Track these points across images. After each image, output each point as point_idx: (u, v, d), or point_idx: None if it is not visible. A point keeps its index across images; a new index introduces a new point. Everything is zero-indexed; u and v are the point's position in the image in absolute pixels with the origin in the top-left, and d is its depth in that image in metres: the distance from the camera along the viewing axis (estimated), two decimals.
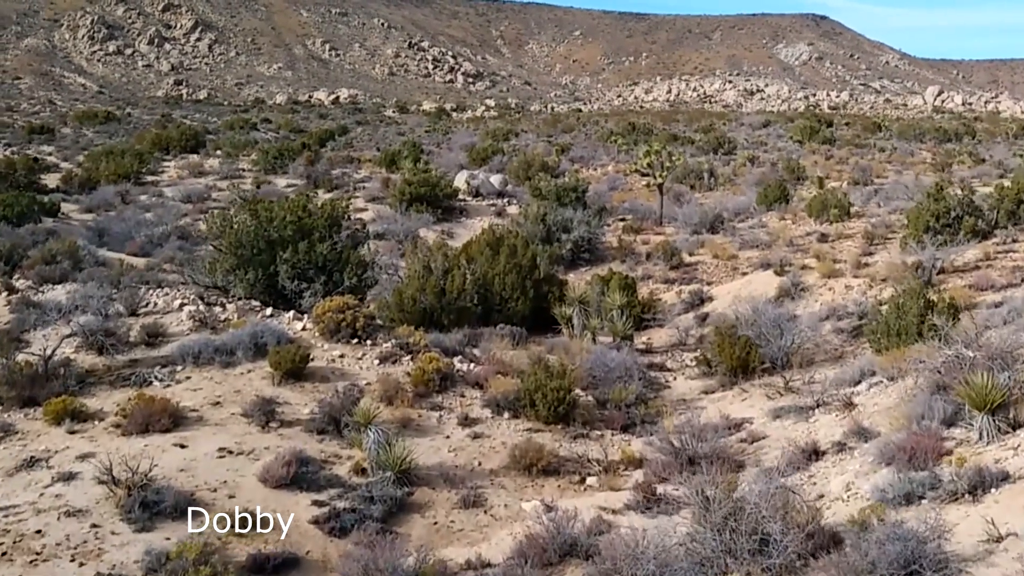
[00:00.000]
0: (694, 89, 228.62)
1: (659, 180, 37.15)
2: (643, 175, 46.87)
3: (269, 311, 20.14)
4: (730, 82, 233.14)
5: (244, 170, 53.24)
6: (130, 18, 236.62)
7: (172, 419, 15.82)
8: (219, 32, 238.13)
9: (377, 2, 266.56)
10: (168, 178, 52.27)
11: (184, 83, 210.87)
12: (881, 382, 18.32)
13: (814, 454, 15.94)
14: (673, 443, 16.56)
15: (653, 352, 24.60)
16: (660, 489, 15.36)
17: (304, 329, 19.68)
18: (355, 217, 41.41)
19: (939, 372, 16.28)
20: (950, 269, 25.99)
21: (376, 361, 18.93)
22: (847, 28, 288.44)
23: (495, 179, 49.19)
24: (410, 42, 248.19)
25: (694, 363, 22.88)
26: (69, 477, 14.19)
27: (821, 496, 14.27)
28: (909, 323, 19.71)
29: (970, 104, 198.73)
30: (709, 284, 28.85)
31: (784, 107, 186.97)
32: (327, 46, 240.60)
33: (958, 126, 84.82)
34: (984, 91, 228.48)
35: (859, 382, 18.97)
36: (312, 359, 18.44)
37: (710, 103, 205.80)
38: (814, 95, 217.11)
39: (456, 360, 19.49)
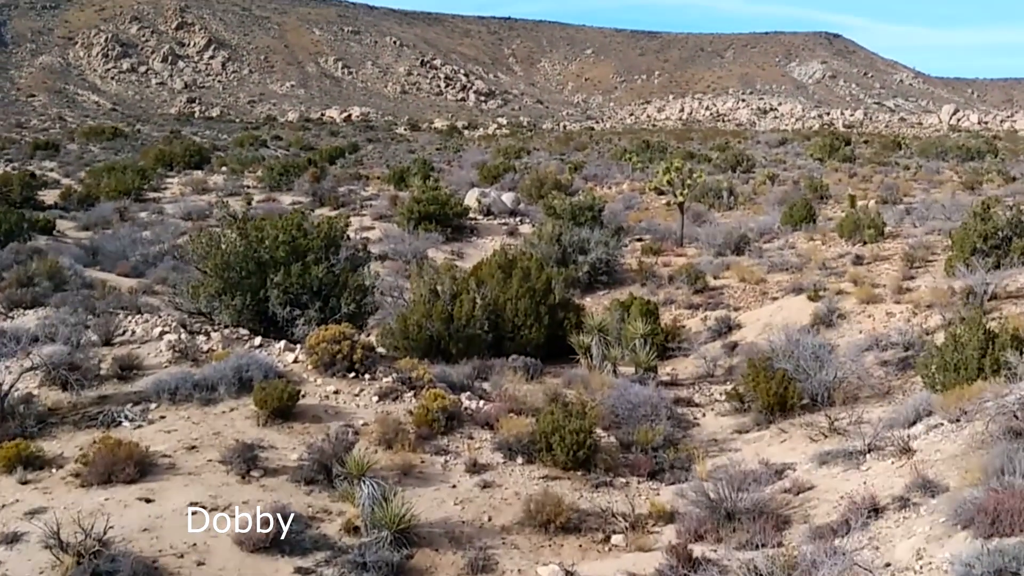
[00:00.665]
0: (707, 108, 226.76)
1: (679, 199, 35.12)
2: (660, 193, 44.94)
3: (258, 341, 18.09)
4: (743, 100, 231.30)
5: (249, 187, 51.44)
6: (144, 36, 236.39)
7: (139, 468, 13.77)
8: (232, 50, 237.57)
9: (389, 20, 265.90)
10: (171, 195, 50.51)
11: (197, 101, 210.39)
12: (941, 424, 16.14)
13: (872, 511, 13.81)
14: (709, 494, 14.47)
15: (679, 385, 22.50)
16: (696, 551, 13.27)
17: (296, 361, 17.63)
18: (361, 236, 39.49)
19: (1015, 416, 14.17)
20: (1003, 295, 23.82)
21: (375, 398, 16.88)
22: (860, 46, 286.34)
23: (507, 197, 47.27)
24: (422, 60, 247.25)
25: (725, 398, 20.78)
26: (13, 539, 12.13)
27: (887, 565, 12.14)
28: (969, 357, 17.56)
29: (986, 123, 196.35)
30: (737, 310, 26.71)
31: (798, 125, 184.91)
32: (339, 64, 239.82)
33: (980, 144, 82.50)
34: (999, 110, 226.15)
35: (915, 423, 16.80)
36: (303, 396, 16.40)
37: (723, 122, 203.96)
38: (828, 113, 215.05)
39: (464, 397, 17.43)
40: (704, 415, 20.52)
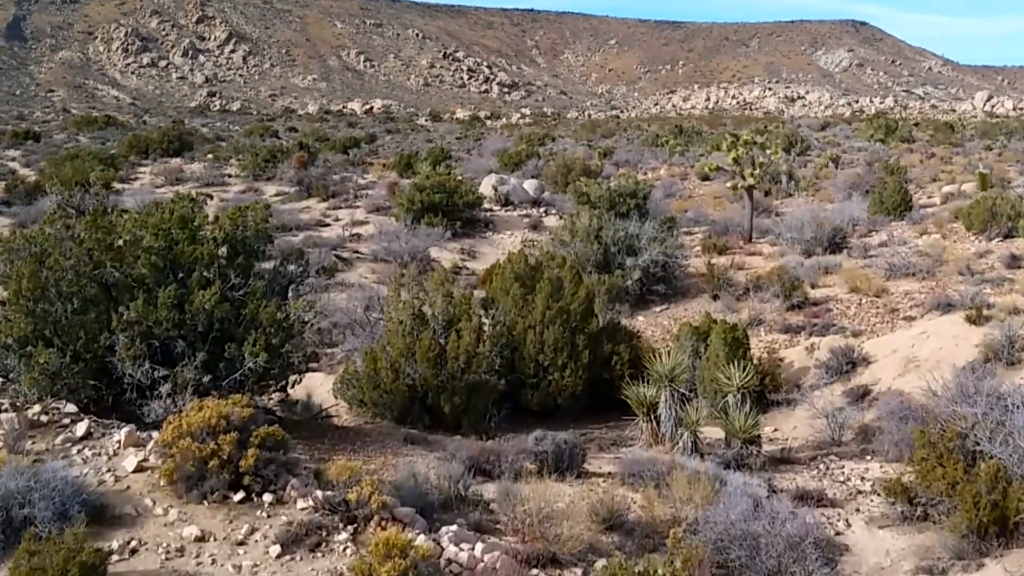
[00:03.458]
0: (733, 97, 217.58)
1: (749, 180, 26.75)
2: (705, 179, 36.70)
3: (81, 427, 9.89)
4: (770, 89, 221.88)
5: (230, 176, 43.37)
6: (164, 30, 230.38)
7: None
8: (253, 44, 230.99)
9: (412, 13, 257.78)
10: (140, 185, 42.45)
11: (218, 95, 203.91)
12: None
13: None
14: None
15: (793, 462, 14.19)
16: None
17: (141, 469, 9.44)
18: (350, 233, 31.37)
19: None
20: None
21: (274, 547, 8.62)
22: (887, 34, 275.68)
23: (529, 185, 39.02)
24: (445, 52, 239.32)
25: (881, 492, 12.50)
26: None
27: None
28: None
29: (1022, 109, 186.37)
30: (857, 335, 18.25)
31: (827, 113, 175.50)
32: (362, 57, 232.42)
33: None
34: None
35: None
36: (137, 549, 8.27)
37: (750, 110, 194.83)
38: (856, 102, 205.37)
39: (446, 537, 9.11)
40: (850, 524, 12.22)
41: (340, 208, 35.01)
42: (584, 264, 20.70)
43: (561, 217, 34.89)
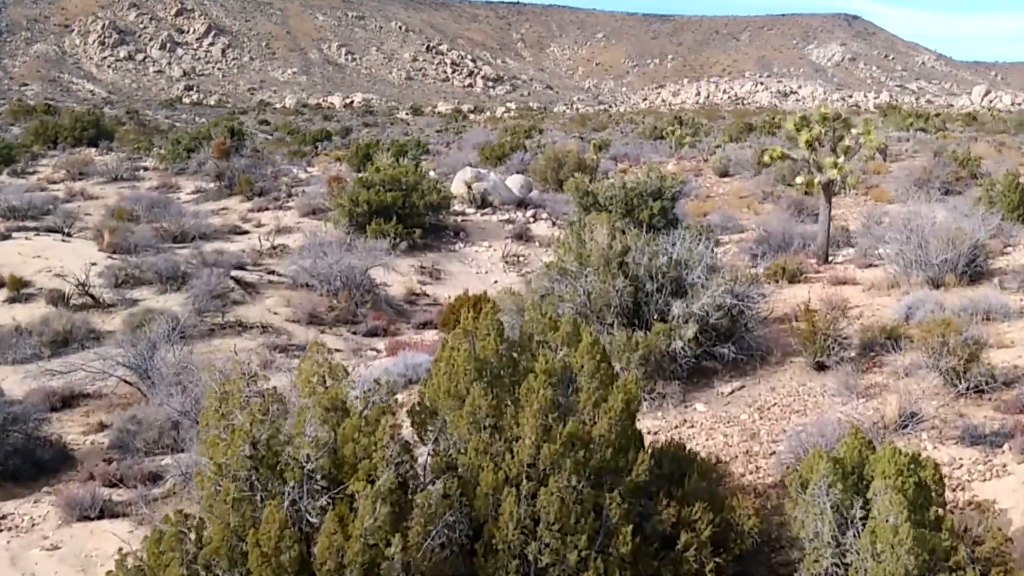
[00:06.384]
0: (724, 91, 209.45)
1: (830, 174, 18.19)
2: (723, 175, 28.48)
3: None
4: (761, 84, 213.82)
5: (147, 169, 34.71)
6: (142, 23, 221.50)
7: None
8: (232, 36, 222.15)
9: (395, 5, 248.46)
10: (37, 180, 33.79)
11: (195, 88, 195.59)
12: None
13: None
14: None
15: None
16: None
17: None
18: (269, 246, 22.85)
19: None
20: None
21: None
22: (880, 28, 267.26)
23: (513, 182, 30.54)
24: (428, 46, 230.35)
25: None
26: None
27: None
28: None
29: (1019, 104, 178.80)
30: None
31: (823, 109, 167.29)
32: (343, 50, 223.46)
33: None
34: None
35: None
36: None
37: (742, 105, 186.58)
38: (851, 96, 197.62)
39: None
40: None
41: (267, 209, 26.49)
42: (600, 310, 12.18)
43: (554, 223, 26.38)
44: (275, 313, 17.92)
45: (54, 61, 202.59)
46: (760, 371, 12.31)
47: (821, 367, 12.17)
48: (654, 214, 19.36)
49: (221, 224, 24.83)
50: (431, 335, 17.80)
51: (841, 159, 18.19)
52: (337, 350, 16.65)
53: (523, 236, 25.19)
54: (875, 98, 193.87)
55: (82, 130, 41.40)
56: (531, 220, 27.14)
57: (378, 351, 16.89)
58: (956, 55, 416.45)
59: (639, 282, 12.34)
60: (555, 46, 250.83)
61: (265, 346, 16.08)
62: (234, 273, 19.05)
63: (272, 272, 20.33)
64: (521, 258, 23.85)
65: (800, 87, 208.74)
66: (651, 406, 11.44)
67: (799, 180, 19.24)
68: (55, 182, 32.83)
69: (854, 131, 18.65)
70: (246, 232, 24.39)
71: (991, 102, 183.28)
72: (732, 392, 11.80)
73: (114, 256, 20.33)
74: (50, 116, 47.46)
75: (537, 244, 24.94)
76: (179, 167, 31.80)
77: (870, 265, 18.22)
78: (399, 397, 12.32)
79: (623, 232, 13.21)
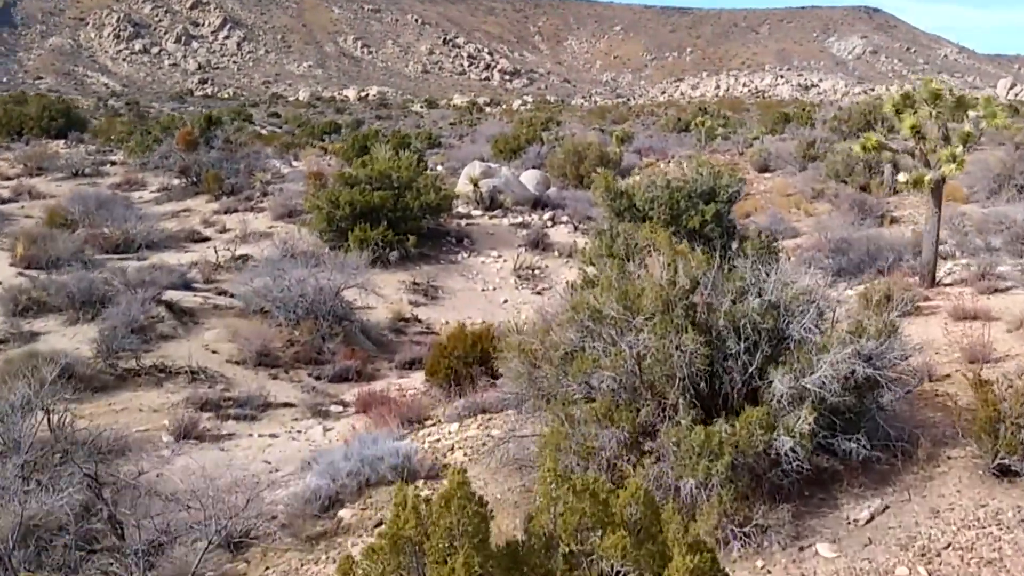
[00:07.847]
0: (744, 84, 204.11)
1: (945, 170, 13.56)
2: (763, 170, 24.14)
3: None
4: (781, 77, 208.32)
5: (113, 164, 30.38)
6: (157, 16, 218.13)
7: None
8: (248, 29, 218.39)
9: None
10: None
11: (210, 81, 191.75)
12: None
13: None
14: None
15: None
16: None
17: None
18: (236, 256, 18.44)
19: None
20: None
21: None
22: (901, 20, 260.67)
23: (529, 177, 26.05)
24: (445, 39, 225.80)
25: None
26: None
27: None
28: None
29: None
30: None
31: (844, 102, 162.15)
32: (359, 43, 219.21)
33: None
34: None
35: None
36: None
37: (763, 98, 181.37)
38: (872, 89, 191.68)
39: None
40: None
41: (236, 211, 22.07)
42: (655, 383, 7.71)
43: (576, 227, 21.87)
44: (213, 352, 13.52)
45: (69, 54, 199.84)
46: (906, 477, 7.80)
47: (1004, 471, 7.66)
48: (707, 221, 14.88)
49: (178, 229, 20.50)
50: (417, 379, 13.42)
51: (959, 149, 13.66)
52: (289, 405, 12.26)
53: (539, 243, 20.72)
54: (898, 91, 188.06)
55: (49, 120, 37.02)
56: (549, 224, 22.66)
57: (345, 406, 12.51)
58: (978, 48, 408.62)
59: (719, 339, 7.85)
60: (572, 39, 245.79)
61: (190, 402, 11.70)
62: (168, 296, 14.63)
63: (222, 293, 15.90)
64: (537, 271, 19.41)
65: (821, 80, 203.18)
66: (746, 548, 6.97)
67: (902, 178, 14.69)
68: (9, 178, 28.58)
69: (972, 113, 14.11)
70: (206, 239, 20.03)
71: (1017, 95, 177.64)
72: (871, 520, 7.30)
73: (25, 272, 15.97)
74: (18, 106, 43.07)
75: (556, 253, 20.51)
76: (142, 161, 27.38)
77: (995, 290, 13.66)
78: (343, 515, 7.93)
79: (686, 257, 8.71)
